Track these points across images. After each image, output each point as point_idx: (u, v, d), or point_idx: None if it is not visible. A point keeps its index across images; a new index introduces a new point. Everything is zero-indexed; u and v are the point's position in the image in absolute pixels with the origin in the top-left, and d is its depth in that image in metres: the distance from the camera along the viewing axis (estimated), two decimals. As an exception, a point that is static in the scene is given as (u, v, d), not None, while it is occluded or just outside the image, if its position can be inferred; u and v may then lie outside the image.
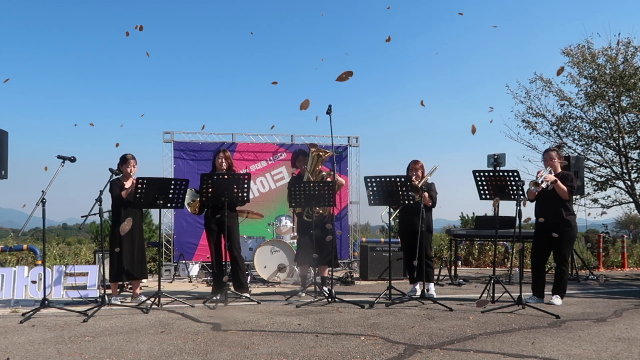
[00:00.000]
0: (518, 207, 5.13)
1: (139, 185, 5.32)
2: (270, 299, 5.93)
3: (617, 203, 13.51)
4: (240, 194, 5.62)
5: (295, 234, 7.00)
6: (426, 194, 5.84)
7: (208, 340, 3.80)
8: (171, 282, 7.78)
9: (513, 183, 5.22)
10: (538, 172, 5.33)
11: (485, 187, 5.43)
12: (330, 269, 6.12)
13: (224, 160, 6.00)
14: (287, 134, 9.46)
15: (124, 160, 5.77)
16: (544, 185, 5.23)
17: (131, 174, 5.76)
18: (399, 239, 6.71)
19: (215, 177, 5.63)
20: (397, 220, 6.37)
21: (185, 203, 6.09)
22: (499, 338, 3.84)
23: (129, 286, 6.31)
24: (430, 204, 6.00)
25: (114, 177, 5.56)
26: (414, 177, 5.96)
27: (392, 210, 5.83)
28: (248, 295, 5.82)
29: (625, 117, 12.59)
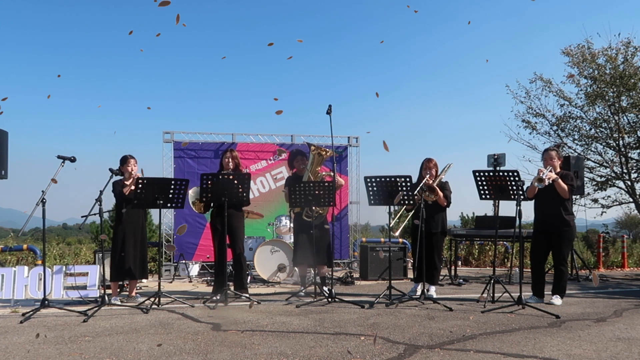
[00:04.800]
0: (518, 207, 5.13)
1: (139, 185, 5.32)
2: (270, 299, 5.93)
3: (617, 203, 13.51)
4: (239, 194, 5.61)
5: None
6: (440, 192, 5.82)
7: (208, 340, 3.80)
8: (171, 282, 7.78)
9: (513, 183, 5.23)
10: (539, 171, 5.34)
11: (485, 187, 5.43)
12: (331, 268, 6.12)
13: (230, 160, 6.00)
14: (287, 134, 9.47)
15: (124, 160, 5.79)
16: (547, 182, 5.23)
17: (132, 172, 5.76)
18: (411, 239, 6.62)
19: (213, 177, 5.63)
20: (397, 220, 6.34)
21: (190, 202, 6.11)
22: (499, 338, 3.84)
23: (128, 286, 6.31)
24: (445, 203, 5.92)
25: (115, 177, 5.57)
26: (428, 176, 5.87)
27: (391, 209, 5.82)
28: (248, 295, 5.82)
29: (625, 117, 12.59)
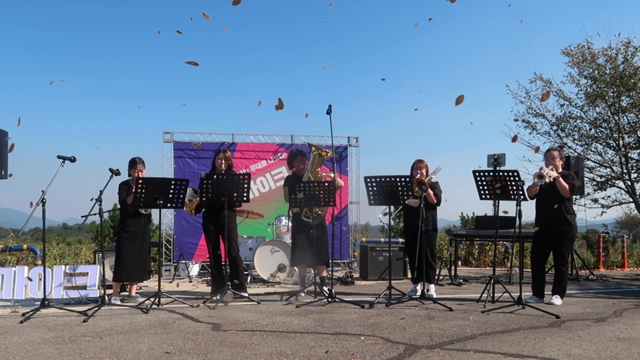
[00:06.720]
0: (518, 207, 5.13)
1: (139, 186, 5.32)
2: (270, 299, 5.93)
3: (617, 203, 13.52)
4: (239, 194, 5.61)
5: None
6: (430, 191, 5.85)
7: (208, 340, 3.80)
8: (171, 282, 7.78)
9: (513, 183, 5.23)
10: (541, 168, 5.35)
11: (486, 187, 5.44)
12: (330, 268, 6.11)
13: (223, 161, 5.98)
14: (287, 134, 9.47)
15: (133, 163, 5.82)
16: (547, 179, 5.24)
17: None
18: (404, 238, 6.69)
19: (215, 177, 5.62)
20: (397, 220, 6.36)
21: None
22: (499, 338, 3.84)
23: (128, 286, 6.32)
24: (435, 202, 6.00)
25: (114, 176, 5.56)
26: (418, 176, 5.94)
27: (391, 209, 5.82)
28: (247, 295, 5.81)
29: (625, 117, 12.60)
